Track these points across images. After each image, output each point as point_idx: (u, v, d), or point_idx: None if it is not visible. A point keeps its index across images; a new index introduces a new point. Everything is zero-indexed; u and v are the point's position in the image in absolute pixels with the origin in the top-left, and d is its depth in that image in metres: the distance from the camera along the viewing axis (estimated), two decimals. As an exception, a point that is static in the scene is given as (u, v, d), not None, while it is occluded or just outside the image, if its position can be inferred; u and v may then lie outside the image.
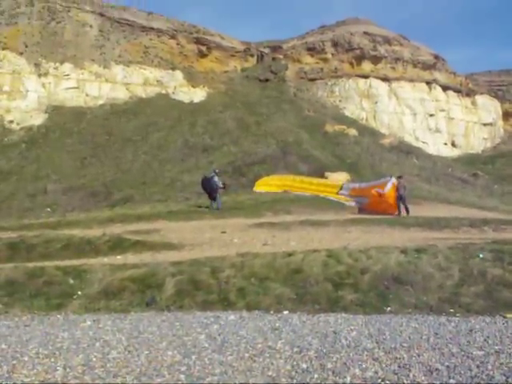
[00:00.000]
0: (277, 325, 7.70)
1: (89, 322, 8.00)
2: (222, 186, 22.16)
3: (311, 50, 52.32)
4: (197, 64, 47.60)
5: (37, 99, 37.33)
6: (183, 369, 6.04)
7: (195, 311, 8.61)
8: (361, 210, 23.09)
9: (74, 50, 40.64)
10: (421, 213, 21.92)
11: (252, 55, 51.97)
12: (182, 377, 5.83)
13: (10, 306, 9.06)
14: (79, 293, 9.42)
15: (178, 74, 45.19)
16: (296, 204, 23.45)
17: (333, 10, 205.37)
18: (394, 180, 22.67)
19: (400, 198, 22.06)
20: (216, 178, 22.03)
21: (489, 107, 57.90)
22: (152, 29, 45.94)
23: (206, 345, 6.84)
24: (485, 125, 56.48)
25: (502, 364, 6.02)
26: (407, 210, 21.79)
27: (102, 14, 43.73)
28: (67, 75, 39.48)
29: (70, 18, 41.64)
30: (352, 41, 51.36)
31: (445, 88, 54.26)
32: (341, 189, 25.50)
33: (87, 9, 43.17)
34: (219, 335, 7.23)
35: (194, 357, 6.40)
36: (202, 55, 48.09)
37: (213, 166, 30.49)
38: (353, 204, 24.55)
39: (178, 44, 47.04)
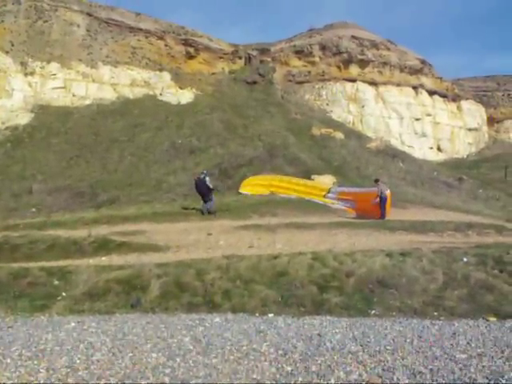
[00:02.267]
0: (262, 327, 7.72)
1: (73, 324, 7.96)
2: (211, 187, 21.66)
3: (299, 53, 52.46)
4: (184, 65, 47.51)
5: (23, 98, 37.03)
6: (168, 371, 6.04)
7: (180, 313, 8.61)
8: (358, 214, 23.12)
9: (61, 49, 40.39)
10: (406, 216, 22.04)
11: (240, 57, 51.97)
12: (167, 379, 5.84)
13: (-7, 306, 9.00)
14: (64, 294, 9.38)
15: (166, 76, 45.07)
16: (282, 206, 23.47)
17: (321, 14, 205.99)
18: (388, 191, 22.67)
19: (383, 202, 22.10)
20: (207, 179, 21.69)
21: (474, 112, 58.46)
22: (140, 29, 45.78)
23: (191, 347, 6.85)
24: (470, 130, 57.01)
25: (484, 367, 6.09)
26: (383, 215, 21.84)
27: (89, 14, 43.49)
28: (54, 75, 39.20)
29: (57, 17, 41.37)
30: (340, 44, 51.58)
31: (431, 93, 54.69)
32: (328, 192, 25.57)
33: (75, 8, 42.90)
34: (204, 337, 7.24)
35: (178, 359, 6.41)
36: (190, 57, 48.01)
37: (199, 168, 30.52)
38: (338, 206, 24.63)
39: (165, 45, 46.91)
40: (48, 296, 9.33)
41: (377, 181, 23.16)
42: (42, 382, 5.81)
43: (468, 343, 6.97)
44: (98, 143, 33.93)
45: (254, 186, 27.47)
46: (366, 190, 24.63)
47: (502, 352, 6.60)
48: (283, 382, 5.77)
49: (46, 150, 32.44)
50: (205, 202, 21.49)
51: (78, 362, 6.34)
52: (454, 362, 6.25)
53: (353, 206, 24.08)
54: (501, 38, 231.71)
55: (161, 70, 45.34)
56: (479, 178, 45.08)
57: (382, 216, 21.68)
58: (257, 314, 8.53)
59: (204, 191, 21.52)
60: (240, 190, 27.44)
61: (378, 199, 21.96)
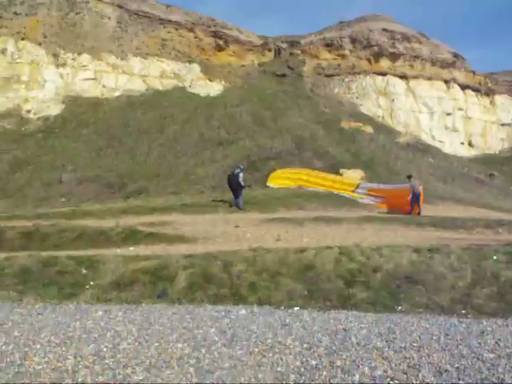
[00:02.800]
0: (287, 320, 7.71)
1: (100, 313, 8.06)
2: (243, 184, 21.38)
3: (329, 45, 52.00)
4: (214, 57, 47.55)
5: (54, 89, 37.51)
6: (192, 362, 6.07)
7: (206, 305, 8.65)
8: (389, 209, 22.99)
9: (92, 41, 40.78)
10: (436, 212, 21.79)
11: (269, 50, 51.78)
12: (191, 370, 5.86)
13: (23, 293, 9.17)
14: (91, 283, 9.50)
15: (195, 67, 45.19)
16: (309, 200, 23.40)
17: (352, 7, 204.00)
18: (421, 187, 22.53)
19: (417, 198, 21.95)
20: (241, 175, 21.34)
21: (508, 107, 57.22)
22: (170, 21, 45.93)
23: (216, 338, 6.87)
24: (503, 125, 55.87)
25: (513, 367, 5.98)
26: (419, 211, 21.71)
27: (120, 6, 43.79)
28: (85, 66, 39.61)
29: (88, 9, 41.77)
30: (370, 37, 50.99)
31: (463, 87, 53.73)
32: (357, 187, 25.43)
33: (106, 0, 43.30)
34: (229, 329, 7.25)
35: (203, 350, 6.43)
36: (220, 49, 48.03)
37: (228, 160, 30.60)
38: (367, 201, 24.47)
39: (195, 37, 46.99)
40: (76, 284, 9.47)
41: (410, 177, 23.03)
42: (69, 368, 5.89)
43: (496, 342, 6.84)
44: (127, 134, 34.23)
45: (281, 179, 27.44)
46: (396, 186, 24.48)
47: (532, 352, 6.47)
48: (307, 376, 5.75)
49: (76, 140, 32.84)
50: (235, 197, 21.38)
51: (104, 350, 6.42)
52: (482, 362, 6.14)
53: (382, 202, 23.93)
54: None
55: (190, 61, 45.46)
56: (511, 174, 44.28)
57: (415, 212, 21.54)
58: (282, 307, 8.52)
59: (235, 187, 21.34)
60: (267, 183, 27.43)
61: (411, 195, 21.83)
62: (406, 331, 7.28)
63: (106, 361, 6.08)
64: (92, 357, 6.19)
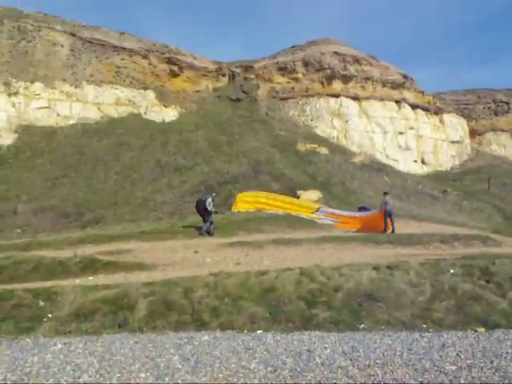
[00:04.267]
0: (251, 344, 7.69)
1: (59, 345, 7.86)
2: (213, 209, 21.10)
3: (282, 69, 52.77)
4: (169, 84, 47.64)
5: (6, 119, 36.86)
6: (156, 391, 5.99)
7: (168, 332, 8.55)
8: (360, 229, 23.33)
9: (45, 69, 40.36)
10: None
11: (224, 75, 52.24)
12: (155, 399, 5.78)
13: (-23, 330, 8.87)
14: (50, 315, 9.27)
15: (150, 94, 45.14)
16: (268, 223, 23.48)
17: (304, 31, 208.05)
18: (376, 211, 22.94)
19: (388, 215, 22.27)
20: (209, 200, 21.04)
21: (456, 125, 59.02)
22: (124, 49, 45.91)
23: (180, 366, 6.79)
24: (453, 142, 57.51)
25: (474, 378, 6.12)
26: (393, 228, 21.91)
27: (73, 34, 43.56)
28: (38, 94, 39.11)
29: (40, 37, 41.41)
30: (322, 60, 51.99)
31: (413, 106, 55.17)
32: (316, 211, 25.59)
33: (58, 28, 42.97)
34: (193, 356, 7.19)
35: (167, 378, 6.36)
36: (174, 75, 48.17)
37: (185, 185, 30.50)
38: (326, 221, 24.69)
39: (149, 64, 47.05)
40: (33, 318, 9.21)
41: (386, 193, 23.42)
42: (28, 405, 5.73)
43: (457, 355, 6.99)
44: (83, 163, 33.80)
45: (241, 203, 27.41)
46: (358, 214, 24.70)
47: (491, 362, 6.64)
48: (273, 398, 5.74)
49: (31, 170, 32.24)
50: (204, 221, 21.14)
51: (64, 384, 6.27)
52: (444, 374, 6.27)
53: (341, 222, 24.20)
54: (478, 52, 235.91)
55: (145, 88, 45.40)
56: (463, 189, 45.47)
57: (389, 229, 21.74)
58: (245, 331, 8.50)
59: (202, 212, 21.12)
60: (233, 209, 27.47)
61: (382, 212, 22.21)
62: (369, 349, 7.36)
63: (67, 395, 5.93)
64: (52, 392, 6.03)
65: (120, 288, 10.18)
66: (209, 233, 20.87)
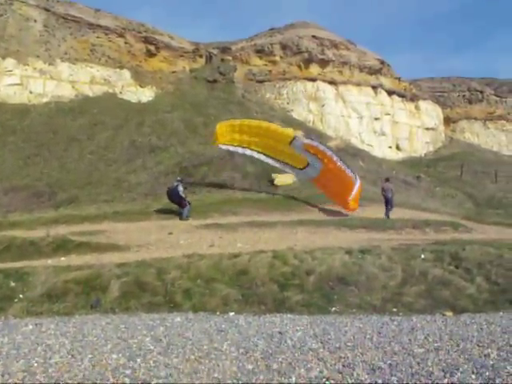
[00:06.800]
0: (223, 326, 7.74)
1: (30, 326, 7.82)
2: (184, 195, 21.18)
3: (260, 52, 52.48)
4: (145, 63, 47.00)
5: (-23, 95, 36.14)
6: (128, 372, 6.01)
7: (141, 313, 8.56)
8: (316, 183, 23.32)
9: (17, 45, 39.43)
10: (366, 214, 22.37)
11: (201, 56, 51.72)
12: (127, 380, 5.80)
13: None
14: (21, 296, 9.20)
15: (126, 73, 44.49)
16: (243, 205, 23.52)
17: (282, 13, 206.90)
18: (359, 182, 22.95)
19: (387, 201, 22.42)
20: (180, 187, 21.16)
21: (431, 112, 59.56)
22: (99, 26, 45.04)
23: (152, 347, 6.82)
24: (427, 129, 58.06)
25: (440, 360, 6.26)
26: (388, 214, 21.98)
27: (46, 9, 42.51)
28: (10, 71, 38.20)
29: (12, 11, 40.31)
30: (300, 44, 51.84)
31: (390, 93, 55.45)
32: (293, 140, 25.01)
33: (31, 3, 41.91)
34: (165, 337, 7.21)
35: (139, 360, 6.37)
36: (151, 55, 47.53)
37: (160, 166, 30.31)
38: (309, 173, 24.88)
39: (126, 43, 46.30)
40: (4, 298, 9.13)
41: (387, 180, 23.74)
42: (-3, 386, 5.71)
43: (425, 338, 7.14)
44: (57, 142, 33.31)
45: (228, 135, 27.02)
46: (334, 154, 24.12)
47: (458, 345, 6.79)
48: (244, 380, 5.80)
49: (2, 148, 31.66)
50: (182, 207, 21.14)
51: (35, 365, 6.24)
52: (412, 357, 6.40)
53: (318, 170, 24.15)
54: (453, 40, 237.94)
55: (121, 67, 44.72)
56: (436, 176, 46.02)
57: (386, 214, 21.93)
58: (218, 313, 8.55)
59: (177, 199, 21.16)
60: (215, 144, 27.53)
61: (383, 198, 22.62)
62: (340, 331, 7.47)
63: (37, 376, 5.91)
64: (22, 373, 5.99)
65: (92, 269, 10.15)
66: (187, 217, 20.84)
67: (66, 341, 7.08)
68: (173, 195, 21.19)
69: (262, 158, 27.15)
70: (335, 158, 23.69)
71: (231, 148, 27.67)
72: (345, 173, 23.11)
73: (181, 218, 20.72)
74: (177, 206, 21.35)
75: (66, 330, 7.62)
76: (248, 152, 27.29)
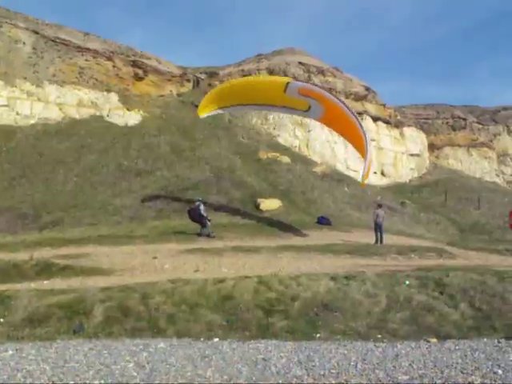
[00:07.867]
0: (207, 352, 7.70)
1: (11, 352, 7.71)
2: (205, 215, 22.50)
3: (247, 77, 52.90)
4: (132, 87, 47.20)
5: (-37, 116, 35.99)
6: (110, 398, 5.94)
7: (124, 338, 8.48)
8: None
9: (5, 66, 39.46)
10: (351, 239, 22.44)
11: (188, 80, 52.05)
12: (109, 407, 5.74)
13: None
14: (1, 320, 9.08)
15: (113, 97, 44.60)
16: (228, 230, 23.51)
17: (269, 40, 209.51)
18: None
19: (377, 228, 22.46)
20: (202, 207, 22.50)
21: (416, 139, 60.25)
22: (88, 49, 45.25)
23: (135, 373, 6.76)
24: (412, 155, 58.68)
25: (424, 388, 6.27)
26: (381, 240, 22.04)
27: (36, 32, 42.73)
28: (-3, 92, 38.26)
29: (1, 33, 40.50)
30: (287, 70, 52.30)
31: (375, 119, 56.04)
32: (286, 87, 23.57)
33: (20, 25, 42.09)
34: (148, 363, 7.15)
35: (121, 386, 6.31)
36: (138, 78, 47.75)
37: (146, 190, 30.25)
38: (314, 113, 24.41)
39: (114, 66, 46.51)
40: (-15, 322, 9.01)
41: (380, 206, 23.92)
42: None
43: (410, 365, 7.15)
44: (43, 164, 33.18)
45: (210, 104, 26.34)
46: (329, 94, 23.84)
47: (442, 372, 6.82)
48: (227, 407, 5.77)
49: (-13, 169, 31.47)
50: (202, 226, 22.31)
51: (15, 392, 6.16)
52: (397, 384, 6.41)
53: (321, 112, 23.80)
54: (438, 68, 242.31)
55: (108, 90, 44.85)
56: (421, 202, 46.37)
57: (380, 241, 21.95)
58: (202, 339, 8.50)
59: (198, 219, 22.42)
60: (199, 115, 26.92)
61: (374, 224, 22.71)
62: (324, 358, 7.45)
63: (18, 403, 5.83)
64: (1, 399, 5.91)
65: (76, 293, 10.05)
66: (209, 235, 22.02)
67: (47, 367, 6.99)
68: (195, 215, 22.54)
69: (254, 108, 27.08)
70: (336, 101, 23.62)
71: (212, 112, 26.94)
72: (349, 120, 23.28)
73: (200, 235, 21.95)
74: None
75: (48, 355, 7.53)
76: (230, 109, 27.35)
